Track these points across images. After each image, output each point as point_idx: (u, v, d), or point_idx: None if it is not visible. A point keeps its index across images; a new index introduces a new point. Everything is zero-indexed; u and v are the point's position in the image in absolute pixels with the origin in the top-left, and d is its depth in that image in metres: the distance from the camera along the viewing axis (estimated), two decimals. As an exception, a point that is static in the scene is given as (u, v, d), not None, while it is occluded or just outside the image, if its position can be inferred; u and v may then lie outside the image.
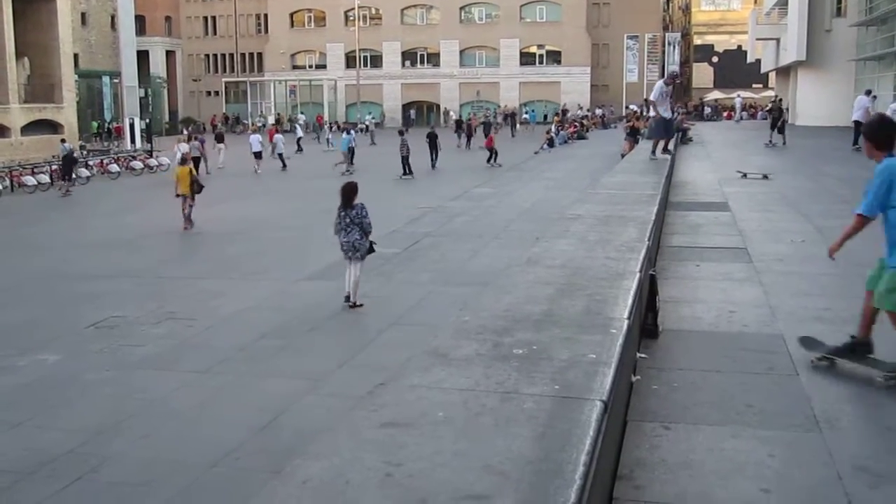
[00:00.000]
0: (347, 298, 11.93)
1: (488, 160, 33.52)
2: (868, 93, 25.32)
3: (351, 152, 32.91)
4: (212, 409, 8.27)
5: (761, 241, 10.37)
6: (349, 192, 11.99)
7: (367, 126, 57.56)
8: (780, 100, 39.65)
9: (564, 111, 60.37)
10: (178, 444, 7.45)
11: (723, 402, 4.81)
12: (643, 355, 5.48)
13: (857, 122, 22.69)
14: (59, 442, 7.48)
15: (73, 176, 30.54)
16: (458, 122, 51.02)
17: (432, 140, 33.48)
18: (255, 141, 34.15)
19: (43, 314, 12.41)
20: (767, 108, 44.41)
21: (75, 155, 33.34)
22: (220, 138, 38.31)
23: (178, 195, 19.66)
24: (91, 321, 11.64)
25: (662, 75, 73.67)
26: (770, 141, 29.09)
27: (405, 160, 29.80)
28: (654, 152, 15.61)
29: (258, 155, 33.80)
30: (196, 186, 19.69)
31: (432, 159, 33.30)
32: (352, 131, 35.97)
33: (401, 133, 31.91)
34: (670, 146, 17.08)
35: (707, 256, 9.37)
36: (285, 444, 7.00)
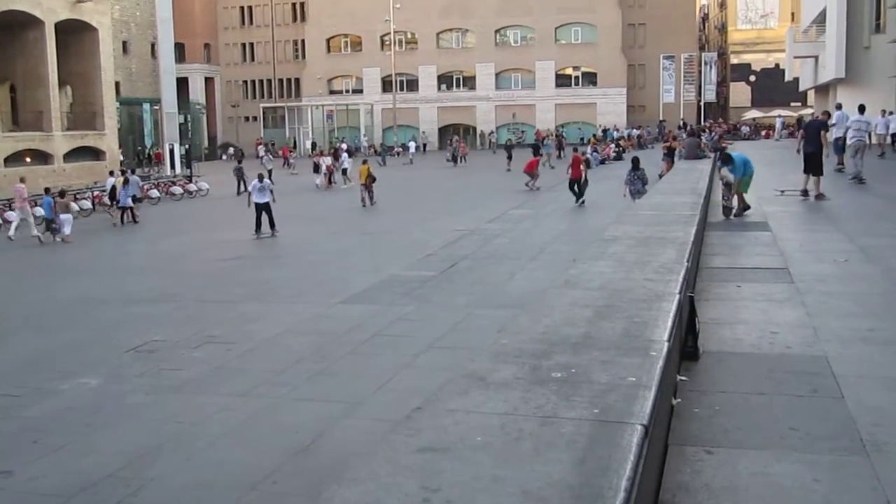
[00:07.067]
0: None
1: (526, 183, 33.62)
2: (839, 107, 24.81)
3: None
4: (250, 433, 8.29)
5: (803, 260, 10.21)
6: (637, 161, 21.55)
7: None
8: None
9: (595, 145, 52.49)
10: (217, 468, 7.47)
11: (766, 425, 4.72)
12: (684, 378, 5.40)
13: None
14: (100, 465, 7.53)
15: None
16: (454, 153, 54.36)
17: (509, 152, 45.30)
18: (345, 160, 42.40)
19: (85, 338, 12.57)
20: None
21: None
22: (337, 155, 45.51)
23: (361, 184, 29.38)
24: (131, 345, 11.76)
25: (699, 95, 73.53)
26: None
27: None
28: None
29: (344, 171, 40.30)
30: (371, 178, 29.10)
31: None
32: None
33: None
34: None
35: (748, 277, 9.24)
36: (323, 468, 6.99)
